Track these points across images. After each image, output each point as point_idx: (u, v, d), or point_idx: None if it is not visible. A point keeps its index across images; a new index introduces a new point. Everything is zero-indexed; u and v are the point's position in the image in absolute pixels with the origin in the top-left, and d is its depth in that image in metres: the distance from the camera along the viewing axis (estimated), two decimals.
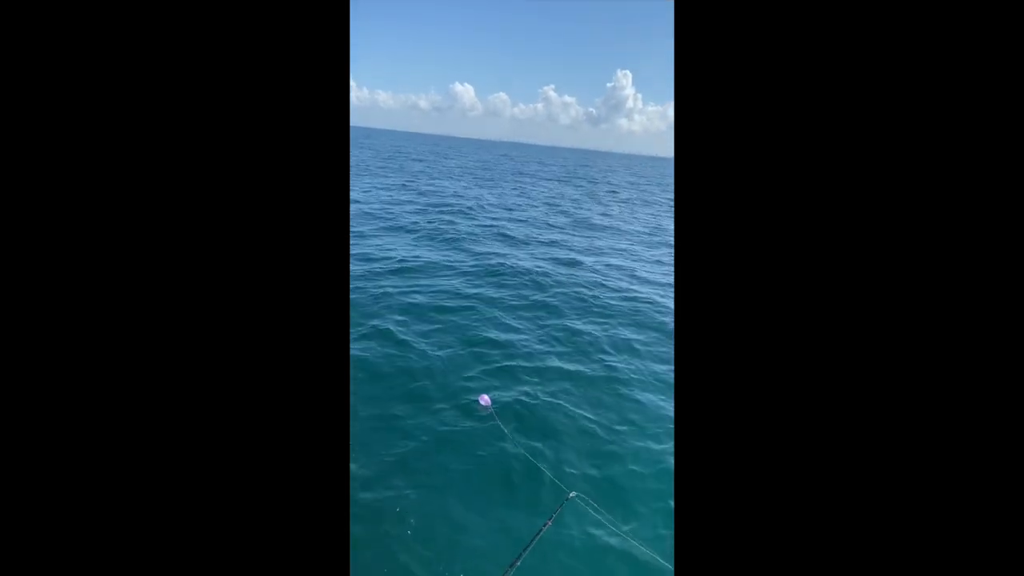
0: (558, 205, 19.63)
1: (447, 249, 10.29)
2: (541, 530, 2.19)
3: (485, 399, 4.31)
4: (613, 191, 29.16)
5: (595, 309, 7.45)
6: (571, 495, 2.63)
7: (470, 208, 16.05)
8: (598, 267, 10.14)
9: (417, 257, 9.32)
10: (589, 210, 19.19)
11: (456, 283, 8.04)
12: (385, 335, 5.78)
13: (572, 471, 3.71)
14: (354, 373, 4.77)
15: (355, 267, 8.12)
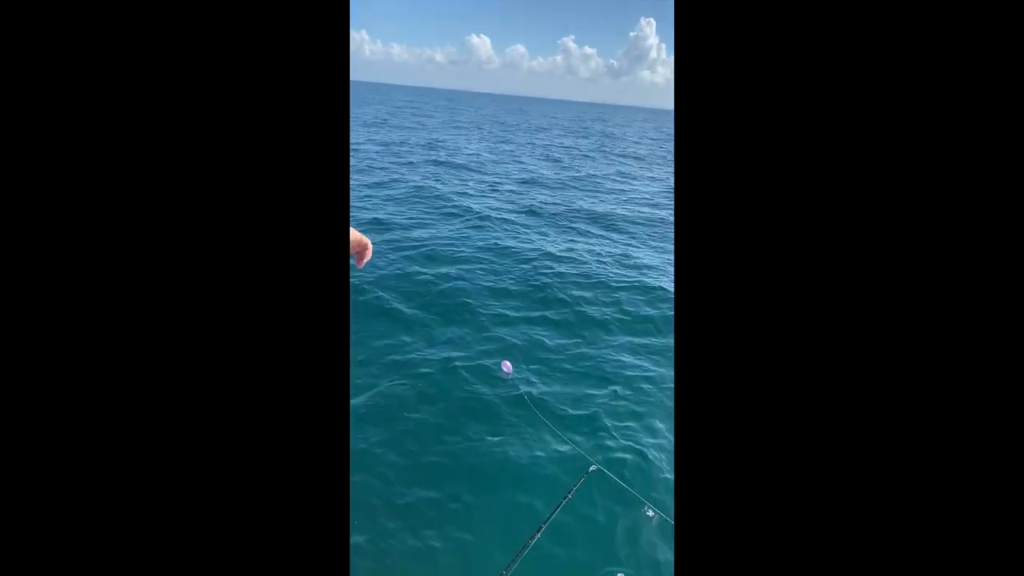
0: (560, 161, 18.76)
1: (437, 209, 9.67)
2: (560, 503, 2.18)
3: (507, 366, 4.23)
4: (625, 147, 28.23)
5: (593, 276, 6.89)
6: (592, 468, 2.61)
7: (470, 165, 15.34)
8: (600, 231, 9.50)
9: (403, 216, 8.74)
10: (598, 168, 18.40)
11: (447, 246, 7.51)
12: (362, 293, 5.40)
13: (582, 440, 3.65)
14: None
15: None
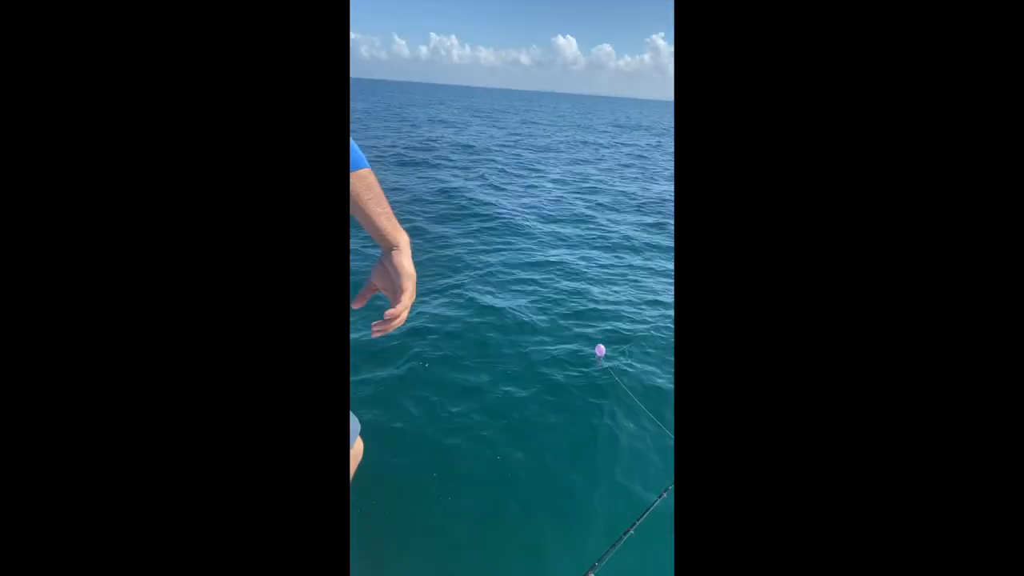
0: (619, 159, 18.32)
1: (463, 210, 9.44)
2: (659, 497, 1.97)
3: (601, 350, 4.05)
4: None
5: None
6: None
7: (520, 166, 15.15)
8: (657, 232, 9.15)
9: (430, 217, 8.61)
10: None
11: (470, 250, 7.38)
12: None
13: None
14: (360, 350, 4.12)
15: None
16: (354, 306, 0.85)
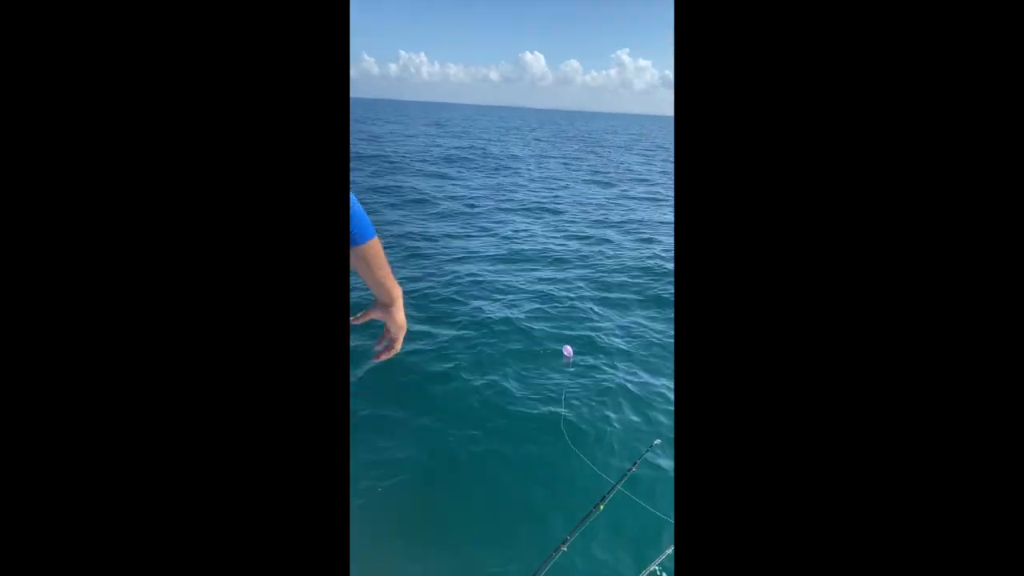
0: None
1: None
2: (624, 475, 2.03)
3: (568, 350, 4.10)
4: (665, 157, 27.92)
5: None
6: (656, 442, 2.45)
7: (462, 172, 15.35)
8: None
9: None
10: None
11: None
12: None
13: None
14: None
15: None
16: (355, 322, 1.01)
